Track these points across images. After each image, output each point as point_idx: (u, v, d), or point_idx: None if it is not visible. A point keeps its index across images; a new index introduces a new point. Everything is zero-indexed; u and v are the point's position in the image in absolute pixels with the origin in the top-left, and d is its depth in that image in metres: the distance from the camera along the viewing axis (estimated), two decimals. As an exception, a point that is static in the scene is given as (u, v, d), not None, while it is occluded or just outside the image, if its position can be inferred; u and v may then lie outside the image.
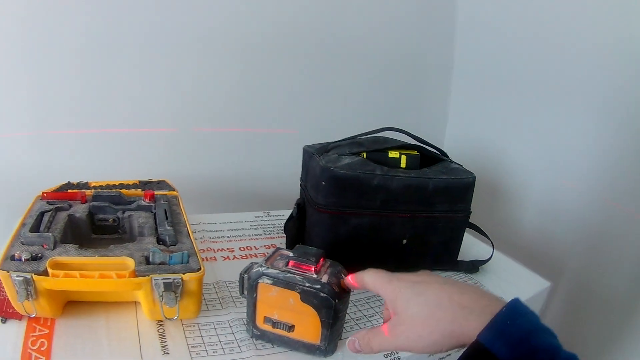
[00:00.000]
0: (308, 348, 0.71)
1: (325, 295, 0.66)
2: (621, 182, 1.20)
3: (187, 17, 1.22)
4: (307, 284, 0.67)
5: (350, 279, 0.69)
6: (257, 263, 0.73)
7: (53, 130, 1.17)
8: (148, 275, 0.70)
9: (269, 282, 0.68)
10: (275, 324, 0.70)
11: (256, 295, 0.70)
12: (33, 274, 0.67)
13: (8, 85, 1.12)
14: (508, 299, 0.87)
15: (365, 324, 0.82)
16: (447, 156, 1.01)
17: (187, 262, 0.74)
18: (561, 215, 1.35)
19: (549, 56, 1.34)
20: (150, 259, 0.74)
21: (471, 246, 1.09)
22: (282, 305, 0.69)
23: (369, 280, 0.66)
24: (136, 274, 0.70)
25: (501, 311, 0.51)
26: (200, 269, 0.73)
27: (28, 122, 1.15)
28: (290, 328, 0.70)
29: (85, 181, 1.06)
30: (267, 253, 0.76)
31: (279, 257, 0.74)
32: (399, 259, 0.95)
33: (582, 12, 1.24)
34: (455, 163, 0.98)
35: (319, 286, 0.67)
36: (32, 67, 1.12)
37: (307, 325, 0.69)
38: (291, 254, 0.71)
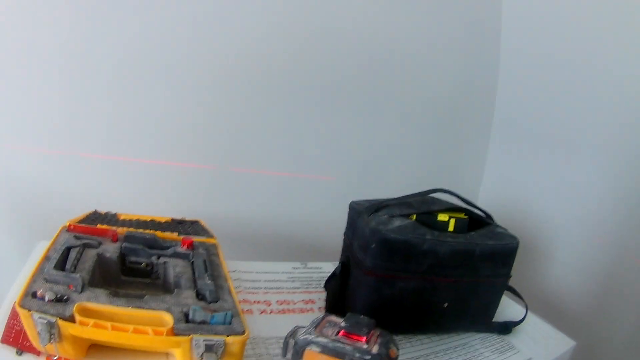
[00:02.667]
0: None
1: None
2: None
3: (233, 51, 1.20)
4: (357, 355, 0.64)
5: None
6: (303, 327, 0.69)
7: (85, 153, 1.13)
8: (188, 335, 0.66)
9: (317, 349, 0.65)
10: None
11: None
12: (58, 318, 0.62)
13: (45, 101, 1.09)
14: (536, 357, 0.93)
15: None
16: (492, 219, 0.98)
17: (230, 323, 0.70)
18: (593, 274, 1.33)
19: (582, 115, 1.34)
20: (191, 317, 0.69)
21: (504, 306, 1.04)
22: None
23: None
24: (175, 332, 0.66)
25: None
26: (244, 331, 0.69)
27: (61, 140, 1.12)
28: None
29: (113, 212, 1.03)
30: (307, 310, 0.75)
31: (328, 324, 0.71)
32: (438, 322, 0.92)
33: (614, 64, 1.26)
34: (500, 227, 0.95)
35: (369, 357, 0.64)
36: (71, 86, 1.10)
37: None
38: (342, 323, 0.69)
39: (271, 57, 1.24)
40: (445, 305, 0.90)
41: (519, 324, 1.00)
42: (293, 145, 1.34)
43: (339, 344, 0.65)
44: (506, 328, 0.99)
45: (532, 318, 1.04)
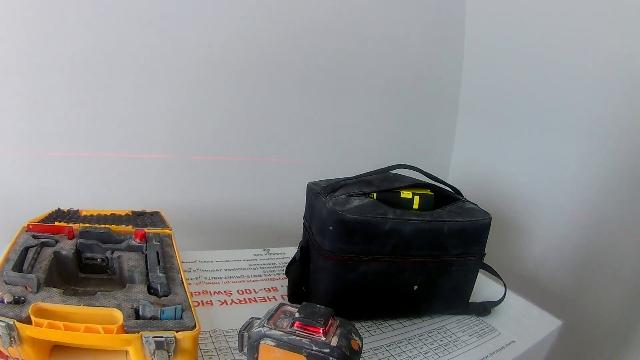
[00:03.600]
0: None
1: (334, 359, 0.60)
2: (628, 209, 1.17)
3: (187, 39, 1.16)
4: (314, 348, 0.60)
5: None
6: (258, 319, 0.66)
7: (45, 152, 1.10)
8: (138, 332, 0.63)
9: (272, 344, 0.62)
10: None
11: (257, 356, 0.63)
12: (15, 321, 0.60)
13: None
14: (521, 342, 0.84)
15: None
16: (461, 194, 0.94)
17: (181, 318, 0.68)
18: (569, 248, 1.31)
19: (553, 85, 1.32)
20: (141, 313, 0.67)
21: (481, 286, 1.02)
22: None
23: None
24: (125, 329, 0.64)
25: None
26: (195, 326, 0.66)
27: (19, 142, 1.09)
28: None
29: (76, 209, 1.00)
30: (270, 298, 0.72)
31: (283, 314, 0.67)
32: (410, 306, 0.89)
33: (582, 41, 1.24)
34: (470, 202, 0.92)
35: (327, 350, 0.60)
36: (25, 86, 1.06)
37: None
38: (297, 314, 0.65)
39: (226, 36, 1.20)
40: (415, 287, 0.86)
41: (498, 304, 0.96)
42: (254, 128, 1.31)
43: (294, 337, 0.62)
44: (484, 309, 0.95)
45: (513, 298, 1.01)
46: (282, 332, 0.62)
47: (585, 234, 1.26)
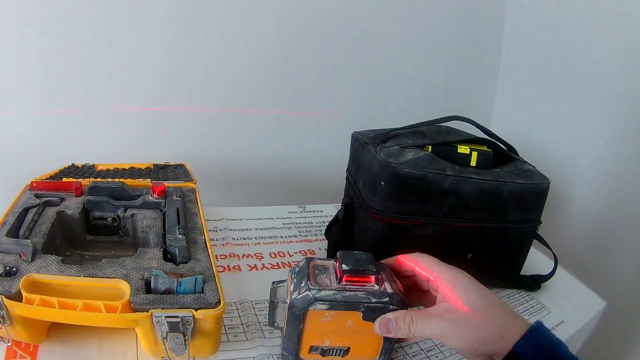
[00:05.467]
0: None
1: (395, 307, 0.47)
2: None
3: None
4: (373, 300, 0.46)
5: (405, 262, 0.52)
6: (281, 283, 0.50)
7: (63, 110, 0.88)
8: (147, 310, 0.43)
9: (324, 307, 0.46)
10: (325, 351, 0.49)
11: (303, 325, 0.47)
12: (4, 297, 0.42)
13: (14, 60, 0.83)
14: (570, 322, 0.69)
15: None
16: (517, 154, 0.71)
17: (202, 291, 0.46)
18: (621, 226, 1.05)
19: (599, 54, 1.04)
20: (152, 285, 0.46)
21: (529, 258, 0.76)
22: (336, 330, 0.48)
23: (426, 263, 0.51)
24: (132, 306, 0.43)
25: (532, 326, 0.45)
26: (219, 302, 0.45)
27: (35, 99, 0.87)
28: (345, 352, 0.50)
29: (92, 163, 0.77)
30: (294, 266, 0.50)
31: (318, 270, 0.50)
32: None
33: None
34: (528, 163, 0.68)
35: (387, 299, 0.47)
36: (40, 41, 0.84)
37: (366, 343, 0.49)
38: (344, 266, 0.48)
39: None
40: (469, 256, 0.64)
41: (548, 278, 0.74)
42: (289, 81, 1.05)
43: (348, 293, 0.46)
44: (535, 283, 0.73)
45: (559, 272, 0.77)
46: (333, 291, 0.46)
47: (626, 208, 1.02)
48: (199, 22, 0.93)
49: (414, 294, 0.52)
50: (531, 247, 0.78)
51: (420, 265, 0.51)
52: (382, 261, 0.52)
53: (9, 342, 0.46)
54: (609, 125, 1.04)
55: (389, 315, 0.47)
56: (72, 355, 0.48)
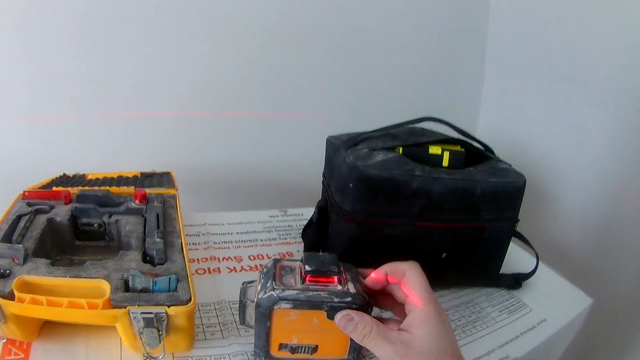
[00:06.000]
0: None
1: (357, 307, 0.49)
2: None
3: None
4: (335, 300, 0.49)
5: (388, 274, 0.52)
6: (251, 283, 0.55)
7: (51, 117, 0.93)
8: (125, 307, 0.47)
9: (288, 306, 0.49)
10: (294, 349, 0.52)
11: (270, 324, 0.50)
12: None
13: (3, 69, 0.88)
14: (553, 321, 0.70)
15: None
16: (493, 152, 0.74)
17: (175, 290, 0.51)
18: (599, 221, 1.08)
19: (588, 46, 1.06)
20: (130, 284, 0.50)
21: (511, 257, 0.79)
22: (303, 328, 0.51)
23: (415, 281, 0.50)
24: (112, 303, 0.48)
25: None
26: (190, 299, 0.50)
27: (27, 108, 0.92)
28: (314, 349, 0.53)
29: (82, 173, 0.82)
30: (264, 266, 0.54)
31: (284, 271, 0.53)
32: (437, 276, 0.67)
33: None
34: (503, 162, 0.71)
35: (349, 299, 0.49)
36: (28, 49, 0.88)
37: (333, 341, 0.52)
38: (306, 267, 0.51)
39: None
40: (444, 255, 0.68)
41: (529, 276, 0.76)
42: (272, 82, 1.10)
43: (311, 293, 0.49)
44: (516, 282, 0.76)
45: (543, 270, 0.80)
46: (296, 291, 0.49)
47: (617, 208, 1.04)
48: (184, 30, 0.97)
49: (388, 300, 0.53)
50: (515, 245, 0.81)
51: (408, 281, 0.50)
52: (382, 266, 0.53)
53: (3, 339, 0.51)
54: (599, 123, 1.06)
55: (354, 315, 0.48)
56: (62, 352, 0.52)
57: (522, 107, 1.28)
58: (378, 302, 0.53)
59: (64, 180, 0.79)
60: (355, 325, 0.48)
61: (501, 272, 0.75)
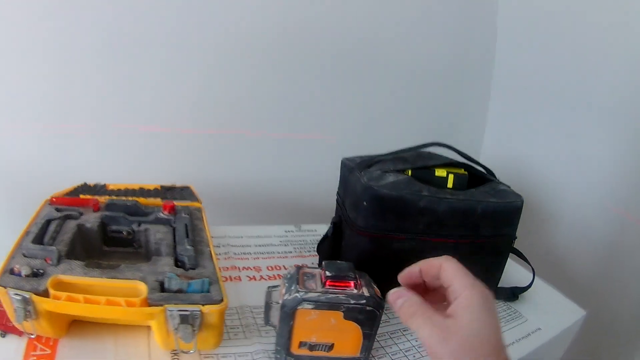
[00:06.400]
0: None
1: (371, 308, 0.57)
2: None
3: (220, 12, 1.03)
4: (352, 302, 0.56)
5: (422, 269, 0.53)
6: (276, 287, 0.61)
7: (72, 125, 0.99)
8: (162, 305, 0.53)
9: (310, 306, 0.56)
10: (313, 346, 0.59)
11: (293, 323, 0.57)
12: (32, 294, 0.51)
13: (26, 77, 0.94)
14: (547, 330, 0.77)
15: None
16: (494, 175, 0.82)
17: (208, 291, 0.56)
18: (600, 237, 1.16)
19: (590, 70, 1.14)
20: (166, 285, 0.56)
21: (509, 271, 0.86)
22: (321, 327, 0.58)
23: (451, 270, 0.50)
24: (148, 302, 0.53)
25: None
26: (222, 300, 0.55)
27: (47, 116, 0.98)
28: (330, 347, 0.59)
29: (103, 183, 0.88)
30: (287, 273, 0.61)
31: (306, 277, 0.60)
32: None
33: (622, 24, 1.06)
34: (503, 184, 0.79)
35: (364, 301, 0.57)
36: (52, 58, 0.94)
37: (348, 340, 0.59)
38: (326, 273, 0.58)
39: (264, 13, 1.07)
40: (446, 268, 0.73)
41: (525, 290, 0.83)
42: (287, 106, 1.17)
43: (330, 295, 0.56)
44: (512, 294, 0.83)
45: (539, 284, 0.87)
46: (317, 293, 0.56)
47: (613, 225, 1.12)
48: (205, 50, 1.04)
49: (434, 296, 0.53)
50: (513, 261, 0.88)
51: (445, 271, 0.50)
52: (416, 263, 0.54)
53: (32, 335, 0.54)
54: (597, 145, 1.14)
55: (405, 292, 0.50)
56: (89, 349, 0.56)
57: (524, 130, 1.36)
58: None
59: (86, 189, 0.83)
60: (403, 303, 0.50)
61: (499, 285, 0.82)
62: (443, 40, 1.33)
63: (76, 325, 0.58)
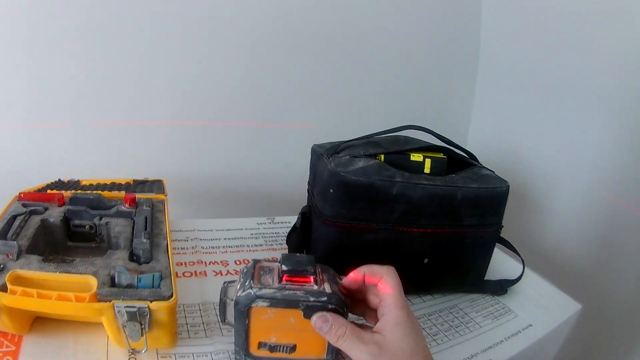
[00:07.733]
0: None
1: (333, 306, 0.53)
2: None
3: (190, 4, 1.02)
4: (311, 299, 0.53)
5: (366, 275, 0.56)
6: (232, 283, 0.57)
7: (49, 123, 0.99)
8: (110, 301, 0.53)
9: (265, 304, 0.52)
10: (273, 347, 0.55)
11: (248, 322, 0.54)
12: None
13: (3, 74, 0.95)
14: (539, 326, 0.74)
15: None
16: (477, 160, 0.80)
17: (158, 287, 0.56)
18: (589, 227, 1.13)
19: (578, 55, 1.13)
20: (116, 280, 0.56)
21: (497, 262, 0.86)
22: (280, 327, 0.54)
23: (388, 285, 0.54)
24: (97, 297, 0.53)
25: None
26: (172, 295, 0.55)
27: (25, 114, 0.98)
28: (292, 349, 0.56)
29: (77, 179, 0.89)
30: (243, 268, 0.58)
31: (262, 271, 0.57)
32: (419, 281, 0.75)
33: (608, 8, 1.04)
34: (486, 169, 0.77)
35: (325, 298, 0.53)
36: (28, 57, 0.95)
37: (311, 341, 0.55)
38: (282, 267, 0.55)
39: (239, 7, 1.06)
40: (426, 260, 0.73)
41: (515, 282, 0.81)
42: (263, 93, 1.16)
43: (287, 292, 0.53)
44: (501, 287, 0.80)
45: (530, 276, 0.86)
46: (273, 290, 0.53)
47: (606, 213, 1.09)
48: (178, 41, 1.04)
49: (361, 306, 0.57)
50: (501, 251, 0.86)
51: (387, 285, 0.54)
52: (360, 267, 0.57)
53: None
54: (586, 131, 1.13)
55: (329, 316, 0.52)
56: (51, 345, 0.57)
57: (512, 115, 1.35)
58: (352, 307, 0.56)
59: (58, 184, 0.85)
60: (330, 327, 0.51)
61: (486, 278, 0.80)
62: (428, 27, 1.32)
63: (40, 323, 0.59)
